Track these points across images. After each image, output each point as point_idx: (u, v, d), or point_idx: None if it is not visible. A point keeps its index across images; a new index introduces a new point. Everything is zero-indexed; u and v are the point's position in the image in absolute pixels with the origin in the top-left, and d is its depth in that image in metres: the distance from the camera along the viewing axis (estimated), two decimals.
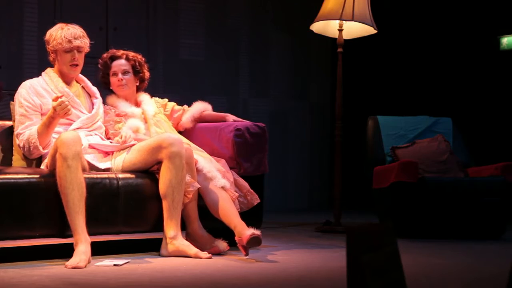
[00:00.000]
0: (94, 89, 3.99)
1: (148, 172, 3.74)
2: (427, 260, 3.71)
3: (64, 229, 3.43)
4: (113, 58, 4.11)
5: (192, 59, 6.63)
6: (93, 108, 3.89)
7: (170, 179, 3.57)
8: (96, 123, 3.87)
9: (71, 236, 3.40)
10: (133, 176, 3.68)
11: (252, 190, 3.93)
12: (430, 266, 3.52)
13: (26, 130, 3.67)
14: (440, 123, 5.34)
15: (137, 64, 4.10)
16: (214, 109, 4.46)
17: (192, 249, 3.58)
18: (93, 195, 3.46)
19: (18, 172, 3.46)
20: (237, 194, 3.87)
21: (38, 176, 3.45)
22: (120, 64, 4.08)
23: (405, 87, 7.16)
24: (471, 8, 6.85)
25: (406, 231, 4.61)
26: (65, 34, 3.77)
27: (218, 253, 3.71)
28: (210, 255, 3.59)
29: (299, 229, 5.24)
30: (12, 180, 3.38)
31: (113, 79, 4.09)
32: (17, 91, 3.79)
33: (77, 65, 3.83)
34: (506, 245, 4.43)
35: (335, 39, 5.29)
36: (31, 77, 3.89)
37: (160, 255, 3.62)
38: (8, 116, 4.01)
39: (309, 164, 7.29)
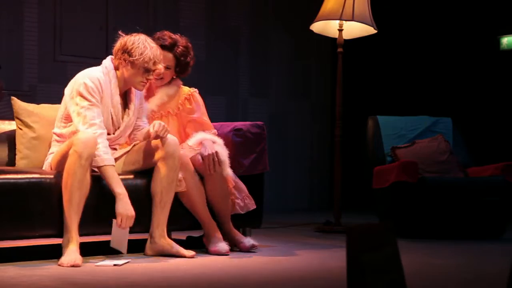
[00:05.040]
0: (137, 98, 3.78)
1: (147, 172, 3.74)
2: (427, 260, 3.71)
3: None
4: (162, 47, 3.85)
5: None
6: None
7: (161, 179, 3.58)
8: (120, 138, 3.75)
9: None
10: (132, 176, 3.68)
11: (250, 195, 3.93)
12: (430, 266, 3.52)
13: (101, 132, 3.47)
14: (440, 123, 5.34)
15: (181, 59, 3.90)
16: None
17: (174, 248, 3.59)
18: (93, 195, 3.46)
19: (18, 172, 3.46)
20: (233, 184, 3.88)
21: (38, 176, 3.44)
22: (165, 57, 3.83)
23: (405, 87, 7.16)
24: (471, 8, 6.85)
25: (406, 231, 4.61)
26: (154, 55, 3.59)
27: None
28: (194, 253, 3.60)
29: (299, 229, 5.24)
30: (12, 180, 3.38)
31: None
32: (80, 81, 3.54)
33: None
34: (506, 245, 4.43)
35: (335, 39, 5.29)
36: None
37: (144, 255, 3.62)
38: (8, 116, 3.99)
39: (309, 164, 7.28)
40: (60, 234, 3.45)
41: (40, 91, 5.78)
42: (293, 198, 7.14)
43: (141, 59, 3.57)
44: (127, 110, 3.72)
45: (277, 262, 3.56)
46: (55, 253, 3.43)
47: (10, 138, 3.86)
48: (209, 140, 3.81)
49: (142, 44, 3.59)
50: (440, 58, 7.04)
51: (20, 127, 3.79)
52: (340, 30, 5.19)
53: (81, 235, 3.39)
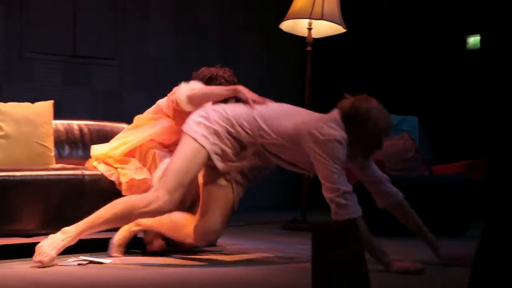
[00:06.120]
0: None
1: None
2: (392, 256, 3.74)
3: (47, 226, 3.42)
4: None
5: (161, 58, 6.61)
6: None
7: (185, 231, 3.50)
8: None
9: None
10: None
11: None
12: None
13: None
14: (406, 122, 5.39)
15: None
16: None
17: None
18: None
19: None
20: None
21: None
22: None
23: (371, 86, 7.19)
24: (438, 8, 6.92)
25: (372, 229, 4.63)
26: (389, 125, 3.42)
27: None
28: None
29: (266, 227, 5.26)
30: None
31: None
32: (342, 141, 3.39)
33: None
34: (470, 242, 4.47)
35: (304, 37, 5.31)
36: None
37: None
38: None
39: None
40: (37, 230, 3.43)
41: (6, 89, 5.72)
42: (261, 196, 7.14)
43: (374, 131, 3.40)
44: None
45: (243, 260, 3.57)
46: (27, 252, 3.38)
47: None
48: None
49: (376, 115, 3.45)
50: (407, 57, 7.10)
51: None
52: (310, 29, 5.22)
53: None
